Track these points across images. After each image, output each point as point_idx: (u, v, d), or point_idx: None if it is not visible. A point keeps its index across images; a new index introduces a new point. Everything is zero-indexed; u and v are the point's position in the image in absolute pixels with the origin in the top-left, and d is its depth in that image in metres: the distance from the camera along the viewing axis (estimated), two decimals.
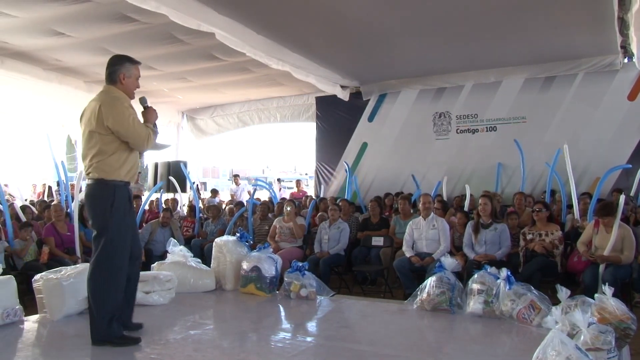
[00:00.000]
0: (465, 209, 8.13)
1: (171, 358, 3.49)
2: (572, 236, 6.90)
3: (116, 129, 3.63)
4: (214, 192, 13.96)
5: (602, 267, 5.55)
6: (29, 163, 16.00)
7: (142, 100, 3.96)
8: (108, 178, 3.68)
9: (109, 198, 3.68)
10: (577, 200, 7.37)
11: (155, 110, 3.95)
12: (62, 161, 9.64)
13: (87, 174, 3.76)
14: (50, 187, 13.13)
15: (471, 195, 8.70)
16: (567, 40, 8.35)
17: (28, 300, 5.09)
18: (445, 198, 9.54)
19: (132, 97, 3.86)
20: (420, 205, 6.85)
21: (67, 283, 4.47)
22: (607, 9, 6.84)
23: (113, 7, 6.66)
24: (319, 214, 8.67)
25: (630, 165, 8.04)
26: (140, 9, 6.16)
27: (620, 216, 5.86)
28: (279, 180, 15.43)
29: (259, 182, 12.78)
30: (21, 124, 13.45)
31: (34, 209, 9.16)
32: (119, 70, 3.78)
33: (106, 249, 3.67)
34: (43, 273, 4.62)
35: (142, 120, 3.85)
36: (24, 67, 9.05)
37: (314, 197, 11.71)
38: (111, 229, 3.68)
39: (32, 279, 4.63)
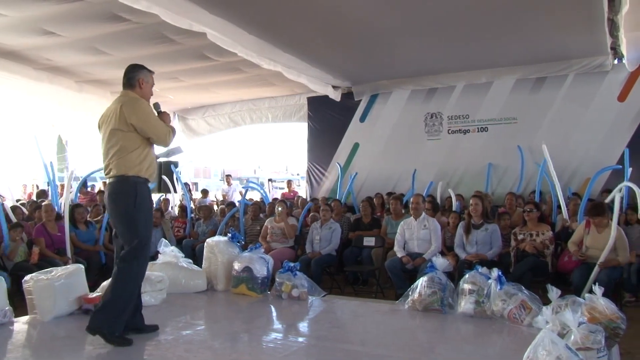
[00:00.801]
0: (454, 209, 8.16)
1: (162, 359, 3.48)
2: (562, 236, 6.95)
3: (140, 125, 3.77)
4: (204, 193, 13.93)
5: (596, 269, 5.56)
6: (19, 163, 15.90)
7: (156, 106, 4.10)
8: (129, 174, 3.76)
9: (132, 194, 3.76)
10: (564, 201, 7.41)
11: (168, 114, 4.10)
12: (50, 162, 9.59)
13: (108, 173, 3.85)
14: (44, 190, 13.06)
15: (461, 195, 8.72)
16: (557, 41, 8.39)
17: (18, 301, 5.06)
18: (438, 200, 9.57)
19: (147, 100, 4.01)
20: (410, 206, 6.86)
21: (58, 284, 4.45)
22: (597, 11, 6.88)
23: (104, 7, 6.62)
24: (311, 214, 8.66)
25: (621, 166, 8.09)
26: (132, 9, 6.14)
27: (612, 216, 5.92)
28: (270, 180, 15.42)
29: (251, 183, 12.77)
30: (11, 124, 13.36)
31: (24, 209, 9.10)
32: (138, 76, 3.96)
33: (134, 246, 3.74)
34: (33, 274, 4.59)
35: None
36: (14, 66, 8.99)
37: (305, 198, 11.71)
38: (137, 225, 3.76)
39: (22, 280, 4.60)
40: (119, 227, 3.85)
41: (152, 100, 4.10)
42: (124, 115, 3.75)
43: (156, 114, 3.99)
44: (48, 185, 10.36)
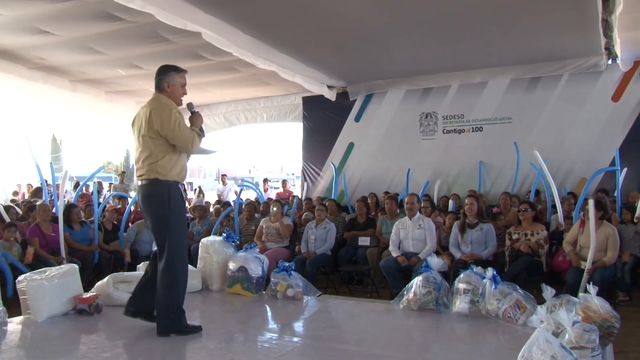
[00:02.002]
0: (450, 209, 8.18)
1: (158, 358, 3.47)
2: (557, 236, 6.97)
3: (164, 132, 3.87)
4: (200, 192, 13.93)
5: (585, 275, 5.57)
6: (13, 163, 15.82)
7: (189, 106, 4.21)
8: (162, 178, 3.91)
9: (165, 196, 3.91)
10: (560, 202, 7.44)
11: (200, 115, 4.20)
12: (50, 162, 9.55)
13: (140, 176, 3.99)
14: (39, 187, 13.01)
15: (456, 194, 8.72)
16: (552, 41, 8.41)
17: (12, 302, 5.04)
18: (435, 200, 9.60)
19: (179, 103, 4.09)
20: (405, 206, 6.87)
21: (52, 284, 4.44)
22: (591, 11, 6.90)
23: (99, 6, 6.60)
24: (305, 213, 8.66)
25: (618, 168, 8.13)
26: (126, 8, 6.12)
27: (606, 216, 5.95)
28: (265, 180, 15.40)
29: (245, 182, 12.74)
30: (4, 123, 13.28)
31: (17, 209, 9.06)
32: (164, 80, 4.03)
33: (171, 247, 3.91)
34: (27, 274, 4.58)
35: (189, 124, 4.10)
36: (7, 65, 8.94)
37: (301, 198, 11.71)
38: (172, 225, 3.93)
39: (16, 280, 4.58)
40: (153, 227, 4.01)
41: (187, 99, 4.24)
42: (152, 121, 3.87)
43: (189, 115, 4.14)
44: (47, 185, 10.30)
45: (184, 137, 3.93)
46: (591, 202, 5.65)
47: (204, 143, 4.22)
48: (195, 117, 4.15)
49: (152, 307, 4.05)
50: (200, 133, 4.14)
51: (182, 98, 4.13)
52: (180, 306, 3.95)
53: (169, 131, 3.87)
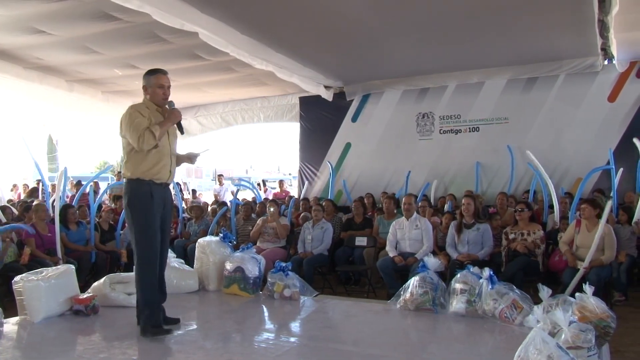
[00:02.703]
0: (447, 209, 8.19)
1: (154, 359, 3.47)
2: (553, 236, 6.98)
3: (122, 132, 4.05)
4: (194, 194, 13.94)
5: (580, 271, 5.59)
6: (10, 163, 15.80)
7: (169, 104, 4.23)
8: (132, 177, 4.03)
9: (130, 194, 4.05)
10: (557, 202, 7.45)
11: (176, 112, 4.21)
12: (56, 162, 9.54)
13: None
14: (35, 187, 12.98)
15: (453, 194, 8.73)
16: (548, 42, 8.43)
17: (8, 302, 5.03)
18: (432, 200, 9.61)
19: (160, 104, 4.20)
20: (402, 207, 6.87)
21: (48, 284, 4.43)
22: (587, 12, 6.92)
23: (95, 6, 6.58)
24: (302, 214, 8.65)
25: (612, 167, 8.15)
26: (123, 8, 6.11)
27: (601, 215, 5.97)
28: (264, 182, 15.41)
29: (243, 182, 12.73)
30: (1, 124, 13.26)
31: (13, 209, 9.03)
32: (143, 84, 4.22)
33: (135, 245, 4.04)
34: (23, 274, 4.56)
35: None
36: (3, 65, 8.90)
37: (298, 198, 11.70)
38: (134, 223, 4.02)
39: (12, 281, 4.57)
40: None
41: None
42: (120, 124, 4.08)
43: (142, 116, 4.08)
44: (39, 184, 10.26)
45: (132, 134, 3.96)
46: (609, 203, 5.68)
47: (193, 146, 4.29)
48: (170, 113, 4.18)
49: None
50: (181, 129, 4.27)
51: (163, 98, 4.19)
52: (149, 303, 4.00)
53: (125, 130, 4.01)
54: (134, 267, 4.10)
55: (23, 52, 8.52)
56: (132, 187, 4.05)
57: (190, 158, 4.51)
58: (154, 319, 3.99)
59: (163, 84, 4.19)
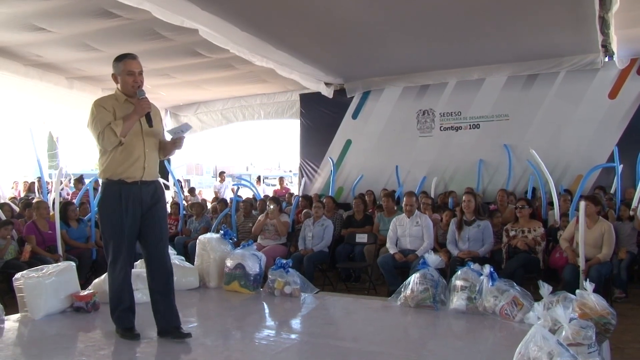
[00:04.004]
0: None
1: (154, 356, 3.48)
2: (554, 233, 6.98)
3: (88, 130, 3.78)
4: (192, 191, 13.95)
5: (582, 265, 5.58)
6: (10, 160, 15.82)
7: (140, 93, 3.80)
8: (103, 178, 3.83)
9: (100, 195, 3.88)
10: (557, 199, 7.45)
11: (143, 101, 3.78)
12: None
13: None
14: (33, 183, 12.99)
15: (452, 192, 8.72)
16: (549, 38, 8.41)
17: (9, 299, 5.04)
18: (433, 197, 9.61)
19: (130, 93, 3.83)
20: (403, 206, 6.86)
21: (49, 282, 4.44)
22: (588, 9, 6.90)
23: (95, 3, 6.56)
24: (304, 211, 8.67)
25: (614, 164, 8.15)
26: (123, 5, 6.09)
27: (602, 212, 5.97)
28: (258, 178, 15.41)
29: (242, 181, 12.72)
30: (1, 121, 13.26)
31: (14, 206, 9.04)
32: (112, 72, 3.87)
33: (102, 241, 3.95)
34: (24, 271, 4.57)
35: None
36: (3, 63, 8.88)
37: (298, 195, 11.71)
38: (102, 227, 3.88)
39: (13, 278, 4.57)
40: None
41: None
42: None
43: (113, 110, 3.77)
44: (39, 181, 10.23)
45: (93, 132, 3.71)
46: (582, 204, 5.66)
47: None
48: (137, 105, 3.77)
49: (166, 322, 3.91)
50: (149, 122, 3.83)
51: (133, 87, 3.79)
52: (115, 305, 3.88)
53: (89, 127, 3.76)
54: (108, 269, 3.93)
55: (23, 49, 8.51)
56: (102, 189, 3.86)
57: (174, 142, 4.00)
58: (121, 322, 3.89)
59: (132, 70, 3.79)
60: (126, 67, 3.79)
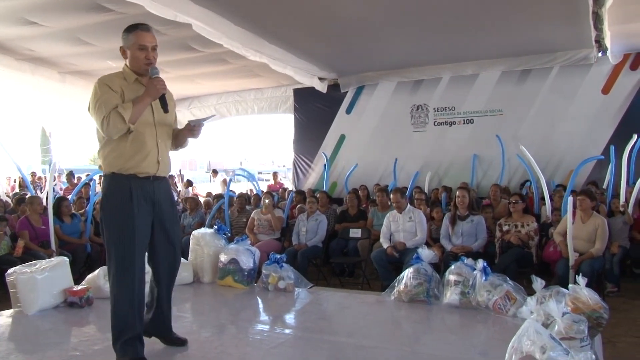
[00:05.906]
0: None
1: (148, 351, 3.47)
2: (546, 227, 7.01)
3: (90, 113, 3.14)
4: (189, 183, 13.90)
5: (571, 260, 5.61)
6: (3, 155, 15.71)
7: (151, 71, 3.22)
8: (107, 172, 3.19)
9: (105, 192, 3.22)
10: (549, 195, 7.48)
11: (156, 80, 3.19)
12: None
13: None
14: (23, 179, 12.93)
15: (448, 186, 8.74)
16: (543, 34, 8.43)
17: (2, 295, 5.02)
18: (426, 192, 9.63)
19: (141, 71, 3.23)
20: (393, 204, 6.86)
21: (42, 277, 4.43)
22: (581, 4, 6.93)
23: None
24: (298, 206, 8.66)
25: (603, 157, 8.18)
26: None
27: (596, 207, 6.00)
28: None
29: (239, 171, 12.67)
30: None
31: (9, 200, 8.99)
32: (121, 46, 3.25)
33: (108, 255, 3.19)
34: (17, 267, 4.56)
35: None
36: None
37: (292, 190, 11.70)
38: (108, 229, 3.19)
39: (6, 273, 4.55)
40: None
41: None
42: None
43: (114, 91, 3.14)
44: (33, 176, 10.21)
45: (97, 116, 3.06)
46: (570, 199, 5.69)
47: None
48: (149, 85, 3.17)
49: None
50: (165, 106, 3.27)
51: (146, 64, 3.20)
52: (122, 325, 3.15)
53: (91, 111, 3.10)
54: (109, 282, 3.24)
55: (15, 43, 8.45)
56: (107, 184, 3.19)
57: (192, 131, 3.41)
58: (127, 353, 3.13)
59: (145, 44, 3.17)
60: (138, 39, 3.17)
